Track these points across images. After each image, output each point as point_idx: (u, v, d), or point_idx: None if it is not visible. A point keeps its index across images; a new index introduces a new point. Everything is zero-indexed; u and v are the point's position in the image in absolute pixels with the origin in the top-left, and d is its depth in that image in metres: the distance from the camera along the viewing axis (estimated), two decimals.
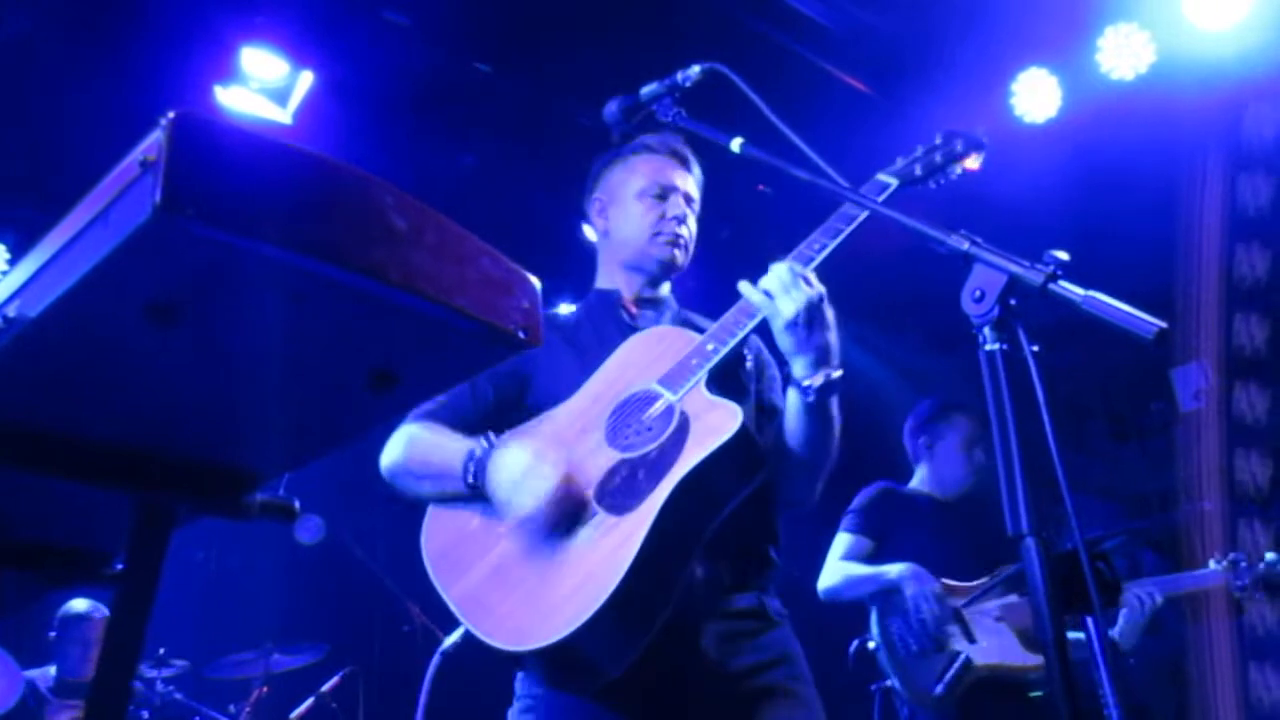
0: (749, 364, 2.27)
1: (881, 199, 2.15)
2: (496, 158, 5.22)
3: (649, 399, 2.04)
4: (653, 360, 2.10)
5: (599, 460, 2.01)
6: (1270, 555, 3.70)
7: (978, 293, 1.39)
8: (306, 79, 4.52)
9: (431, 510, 2.15)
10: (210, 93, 4.39)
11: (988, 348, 1.37)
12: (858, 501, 4.06)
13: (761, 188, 5.55)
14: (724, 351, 2.04)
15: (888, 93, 4.99)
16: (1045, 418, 1.30)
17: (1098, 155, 4.80)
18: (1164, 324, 1.27)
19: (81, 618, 4.90)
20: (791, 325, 1.99)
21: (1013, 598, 3.69)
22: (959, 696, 3.59)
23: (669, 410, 1.99)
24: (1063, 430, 1.29)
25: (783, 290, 1.99)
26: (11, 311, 0.82)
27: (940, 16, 4.62)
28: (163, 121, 0.74)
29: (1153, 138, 4.64)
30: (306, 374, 0.95)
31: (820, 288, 2.03)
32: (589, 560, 1.89)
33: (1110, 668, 1.31)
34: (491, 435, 2.08)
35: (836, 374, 2.03)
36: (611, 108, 2.20)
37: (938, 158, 2.18)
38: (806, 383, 2.03)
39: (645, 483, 1.92)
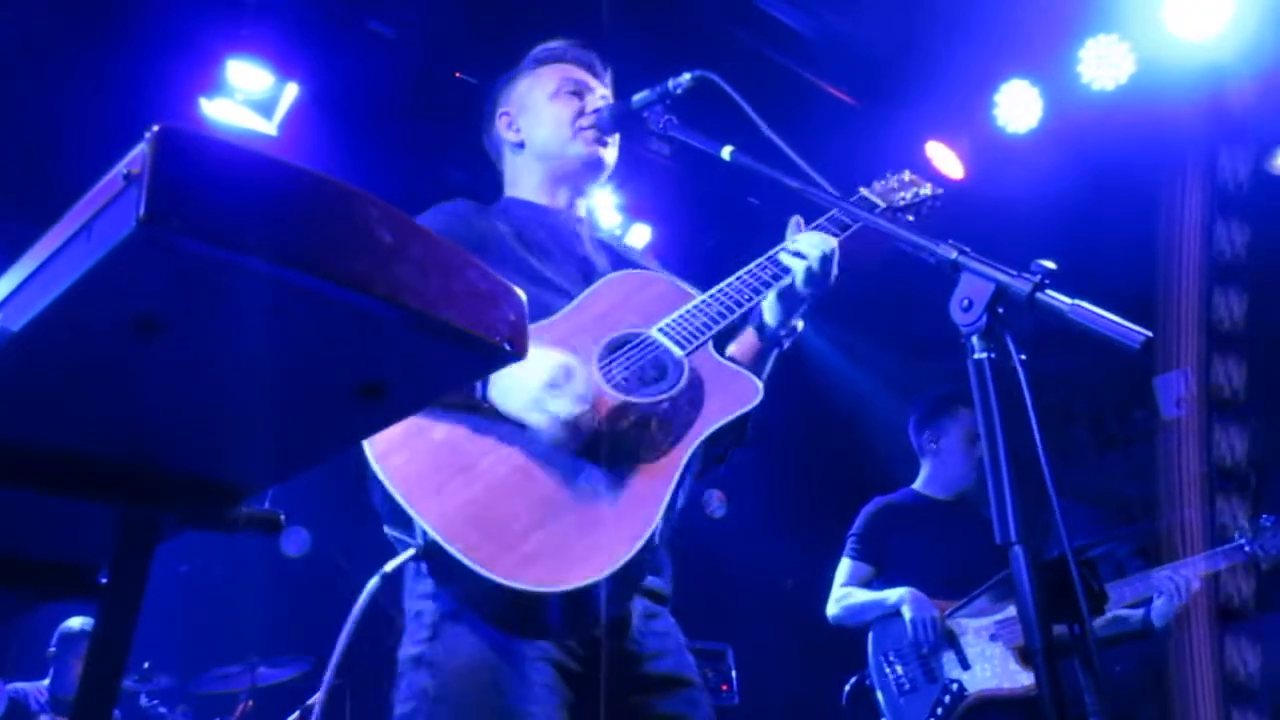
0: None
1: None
2: (482, 169, 5.20)
3: (647, 345, 1.97)
4: (642, 304, 2.04)
5: (601, 396, 1.87)
6: None
7: (966, 302, 1.40)
8: (292, 91, 4.51)
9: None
10: (196, 104, 4.38)
11: (976, 356, 1.37)
12: (856, 525, 3.99)
13: (753, 200, 5.56)
14: (733, 318, 2.02)
15: (871, 104, 5.02)
16: (1034, 426, 1.31)
17: (1080, 164, 4.83)
18: (1149, 333, 1.28)
19: (83, 634, 4.84)
20: (805, 295, 2.03)
21: (1011, 611, 3.56)
22: None
23: (678, 364, 1.94)
24: (1048, 436, 1.29)
25: (821, 264, 2.01)
26: None
27: (923, 28, 4.65)
28: (147, 135, 0.74)
29: (1134, 147, 4.67)
30: (292, 387, 0.94)
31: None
32: (616, 506, 1.77)
33: (1095, 675, 1.31)
34: None
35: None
36: (603, 115, 2.21)
37: (906, 195, 2.31)
38: (793, 324, 2.10)
39: (660, 435, 1.86)
